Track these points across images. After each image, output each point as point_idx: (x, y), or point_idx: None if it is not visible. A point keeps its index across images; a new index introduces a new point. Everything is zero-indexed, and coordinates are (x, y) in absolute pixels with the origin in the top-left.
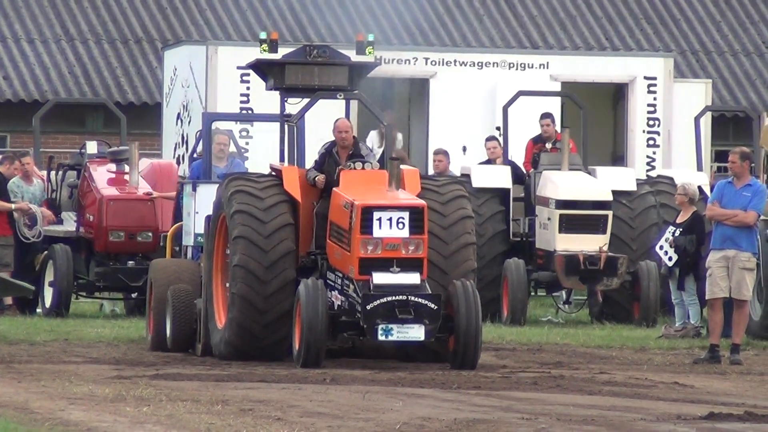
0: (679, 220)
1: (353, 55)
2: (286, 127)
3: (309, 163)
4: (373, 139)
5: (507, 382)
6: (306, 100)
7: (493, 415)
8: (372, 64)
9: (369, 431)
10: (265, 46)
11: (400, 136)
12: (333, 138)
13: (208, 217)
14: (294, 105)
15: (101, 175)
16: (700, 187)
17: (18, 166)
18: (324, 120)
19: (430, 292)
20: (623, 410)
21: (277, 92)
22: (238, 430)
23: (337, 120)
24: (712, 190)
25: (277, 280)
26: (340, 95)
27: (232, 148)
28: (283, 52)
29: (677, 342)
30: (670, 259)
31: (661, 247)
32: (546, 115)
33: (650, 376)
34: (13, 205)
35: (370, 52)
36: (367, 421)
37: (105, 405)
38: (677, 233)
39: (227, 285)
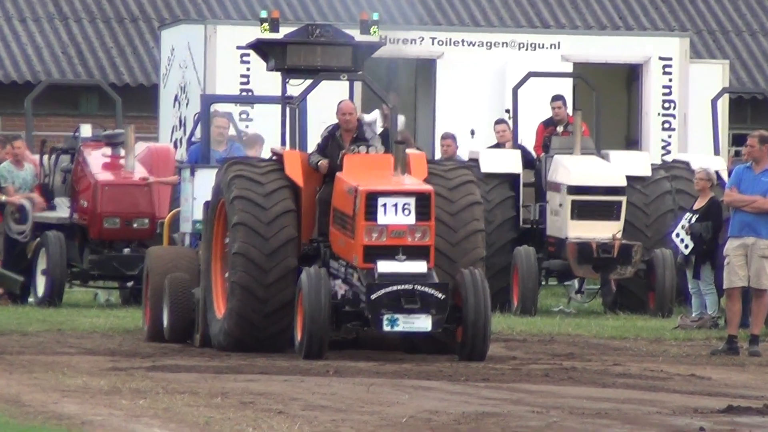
0: (696, 206)
1: (357, 35)
2: (287, 109)
3: (311, 146)
4: (375, 117)
5: (517, 374)
6: (308, 82)
7: (503, 408)
8: (377, 44)
9: (374, 425)
10: (266, 25)
11: (402, 118)
12: (336, 121)
13: (206, 203)
14: (296, 87)
15: (96, 159)
16: (717, 172)
17: (9, 151)
18: (327, 102)
19: (437, 281)
20: (638, 403)
21: (279, 73)
22: (238, 423)
23: (340, 102)
24: (729, 175)
25: (278, 268)
26: (344, 76)
27: (232, 132)
28: (284, 31)
29: (694, 333)
30: (686, 246)
31: (677, 235)
32: (557, 98)
33: (666, 367)
34: (3, 197)
35: (374, 32)
36: (372, 415)
37: (100, 398)
38: (693, 220)
39: (226, 274)
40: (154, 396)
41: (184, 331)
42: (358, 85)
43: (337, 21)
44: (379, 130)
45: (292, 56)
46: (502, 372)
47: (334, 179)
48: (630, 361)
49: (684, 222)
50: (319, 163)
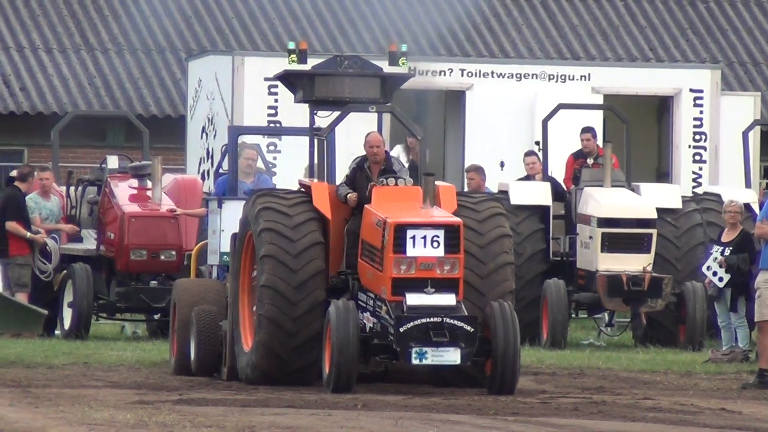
0: (725, 239)
1: (386, 66)
2: (315, 141)
3: (339, 178)
4: (398, 153)
5: (546, 408)
6: (336, 113)
7: None
8: (405, 76)
9: None
10: (293, 56)
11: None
12: (364, 152)
13: (234, 235)
14: (324, 118)
15: (123, 191)
16: (748, 205)
17: (36, 181)
18: (355, 134)
19: (466, 313)
20: None
21: (306, 105)
22: None
23: (368, 134)
24: (761, 207)
25: (306, 301)
26: (372, 108)
27: (260, 164)
28: (312, 62)
29: (724, 366)
30: (720, 279)
31: (709, 268)
32: (587, 130)
33: (696, 401)
34: (28, 234)
35: (403, 63)
36: None
37: (126, 431)
38: (726, 252)
39: (254, 306)
40: (180, 430)
41: (212, 364)
42: (386, 117)
43: (365, 52)
44: (405, 163)
45: (320, 88)
46: (531, 406)
47: (362, 211)
48: (660, 394)
49: (716, 254)
50: (348, 196)
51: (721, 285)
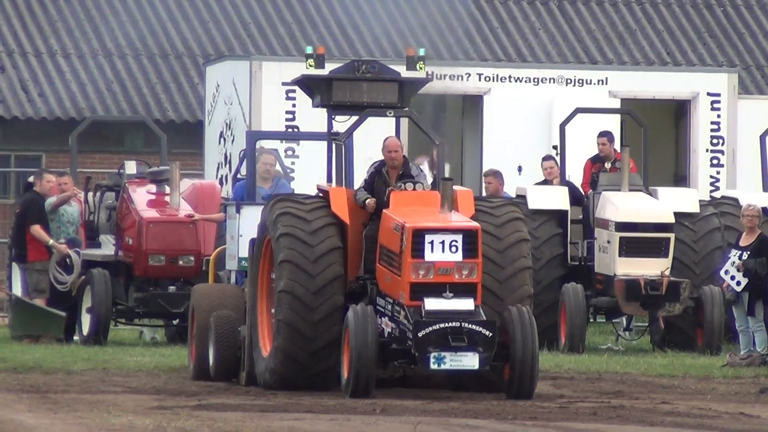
0: (742, 243)
1: (403, 71)
2: (333, 146)
3: (357, 183)
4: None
5: (565, 413)
6: (354, 118)
7: None
8: (423, 80)
9: None
10: (311, 61)
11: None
12: (382, 157)
13: (252, 241)
14: (342, 123)
15: (141, 196)
16: (766, 209)
17: (54, 186)
18: (373, 138)
19: (485, 318)
20: None
21: (324, 110)
22: None
23: (386, 139)
24: None
25: (324, 306)
26: (390, 113)
27: (278, 169)
28: (330, 67)
29: (742, 370)
30: (738, 283)
31: (727, 272)
32: (603, 134)
33: (714, 406)
34: (51, 241)
35: (421, 68)
36: None
37: None
38: (744, 256)
39: (273, 311)
40: None
41: (230, 370)
42: (404, 122)
43: (383, 57)
44: (429, 178)
45: (337, 92)
46: (550, 410)
47: (380, 216)
48: (678, 399)
49: (733, 258)
50: (366, 202)
51: (738, 289)
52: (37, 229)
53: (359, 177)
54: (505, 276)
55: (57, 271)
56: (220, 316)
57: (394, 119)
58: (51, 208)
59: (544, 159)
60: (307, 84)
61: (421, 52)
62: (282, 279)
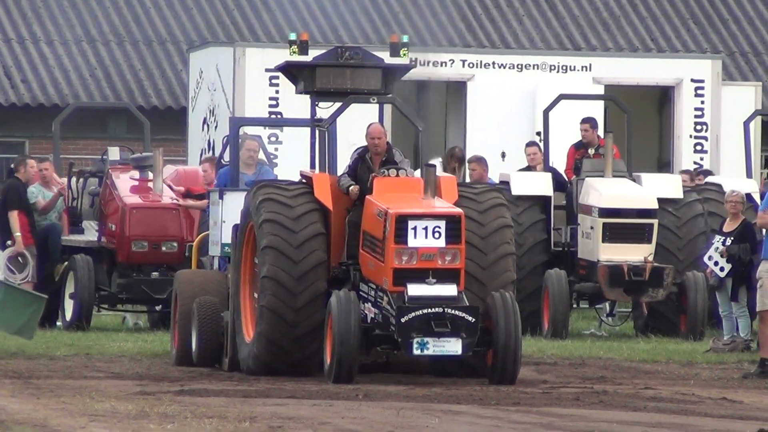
0: (726, 229)
1: (387, 57)
2: (317, 132)
3: (341, 169)
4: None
5: (548, 398)
6: (338, 104)
7: None
8: (406, 67)
9: None
10: (294, 47)
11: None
12: (365, 143)
13: (235, 227)
14: (325, 109)
15: (124, 182)
16: (749, 195)
17: (35, 173)
18: (356, 125)
19: (468, 304)
20: (669, 427)
21: (308, 96)
22: None
23: (369, 125)
24: (762, 197)
25: (307, 292)
26: (374, 99)
27: (261, 155)
28: (313, 54)
29: (726, 356)
30: (722, 269)
31: (711, 258)
32: (586, 120)
33: (697, 391)
34: (18, 233)
35: (404, 54)
36: None
37: (128, 422)
38: (728, 242)
39: (255, 297)
40: (182, 420)
41: (213, 355)
42: (387, 108)
43: (366, 43)
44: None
45: (321, 79)
46: (533, 396)
47: (363, 202)
48: (661, 384)
49: (717, 244)
50: (350, 188)
51: (722, 275)
52: (13, 216)
53: (343, 163)
54: (488, 262)
55: (8, 267)
56: (203, 302)
57: (377, 105)
58: (40, 210)
59: (528, 145)
60: (290, 70)
61: (405, 38)
62: (265, 265)
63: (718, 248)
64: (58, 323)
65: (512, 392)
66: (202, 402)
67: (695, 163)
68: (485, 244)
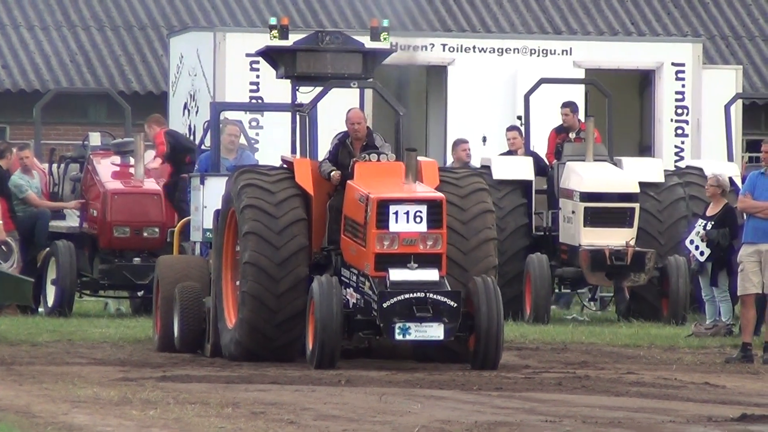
0: (709, 213)
1: (367, 42)
2: (297, 117)
3: (321, 153)
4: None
5: (530, 383)
6: (318, 89)
7: (516, 417)
8: (387, 51)
9: None
10: (275, 32)
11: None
12: (346, 128)
13: (217, 212)
14: (306, 94)
15: (105, 168)
16: (731, 179)
17: (15, 159)
18: (336, 109)
19: (450, 289)
20: (651, 412)
21: (288, 81)
22: None
23: (349, 111)
24: (743, 181)
25: (289, 277)
26: (354, 84)
27: (242, 140)
28: (294, 38)
29: (708, 340)
30: (702, 253)
31: (692, 242)
32: (566, 104)
33: (680, 376)
34: None
35: (385, 39)
36: (384, 425)
37: (110, 408)
38: (708, 226)
39: (237, 283)
40: (164, 406)
41: (195, 341)
42: (368, 93)
43: (347, 28)
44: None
45: (301, 63)
46: (515, 381)
47: (345, 187)
48: (643, 369)
49: (698, 228)
50: (331, 174)
51: (702, 259)
52: None
53: (323, 148)
54: (469, 247)
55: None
56: (185, 288)
57: (358, 90)
58: (29, 203)
59: (508, 129)
60: (271, 55)
61: (385, 22)
62: (246, 251)
63: (699, 232)
64: (40, 309)
65: (494, 377)
66: (185, 388)
67: (676, 146)
68: (467, 229)
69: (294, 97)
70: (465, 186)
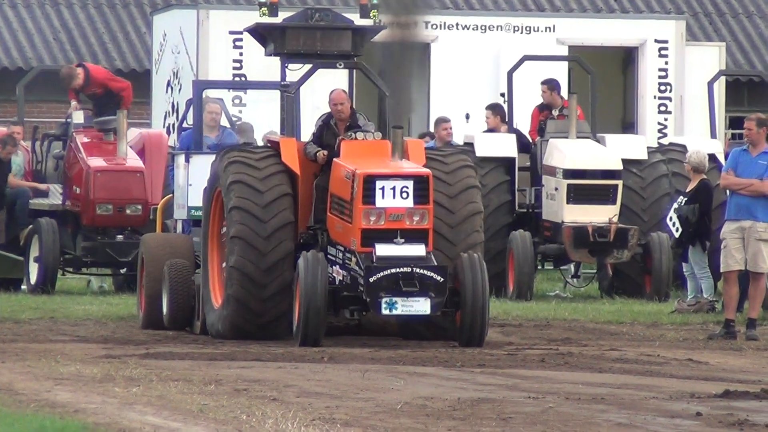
0: (687, 189)
1: (356, 19)
2: (285, 97)
3: (305, 132)
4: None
5: (513, 360)
6: (305, 69)
7: (499, 394)
8: (376, 28)
9: (368, 411)
10: (264, 9)
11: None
12: (329, 109)
13: (205, 190)
14: (295, 71)
15: (88, 145)
16: (713, 156)
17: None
18: (321, 88)
19: (436, 263)
20: (634, 388)
21: (273, 58)
22: (232, 410)
23: (332, 92)
24: (726, 158)
25: (276, 251)
26: (340, 65)
27: (224, 120)
28: (283, 15)
29: (691, 317)
30: (677, 230)
31: (670, 218)
32: (545, 82)
33: (663, 352)
34: None
35: (374, 16)
36: (367, 401)
37: (93, 385)
38: (683, 203)
39: (224, 265)
40: (147, 383)
41: (185, 318)
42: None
43: (336, 5)
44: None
45: (291, 41)
46: (498, 358)
47: (331, 167)
48: (626, 345)
49: (676, 205)
50: (317, 154)
51: (677, 235)
52: None
53: (306, 127)
54: (456, 221)
55: None
56: (175, 265)
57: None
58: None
59: (486, 108)
60: (260, 32)
61: (374, 0)
62: (233, 225)
63: (676, 208)
64: (23, 287)
65: (477, 354)
66: (168, 365)
67: (659, 123)
68: (453, 204)
69: (283, 74)
70: (451, 163)
